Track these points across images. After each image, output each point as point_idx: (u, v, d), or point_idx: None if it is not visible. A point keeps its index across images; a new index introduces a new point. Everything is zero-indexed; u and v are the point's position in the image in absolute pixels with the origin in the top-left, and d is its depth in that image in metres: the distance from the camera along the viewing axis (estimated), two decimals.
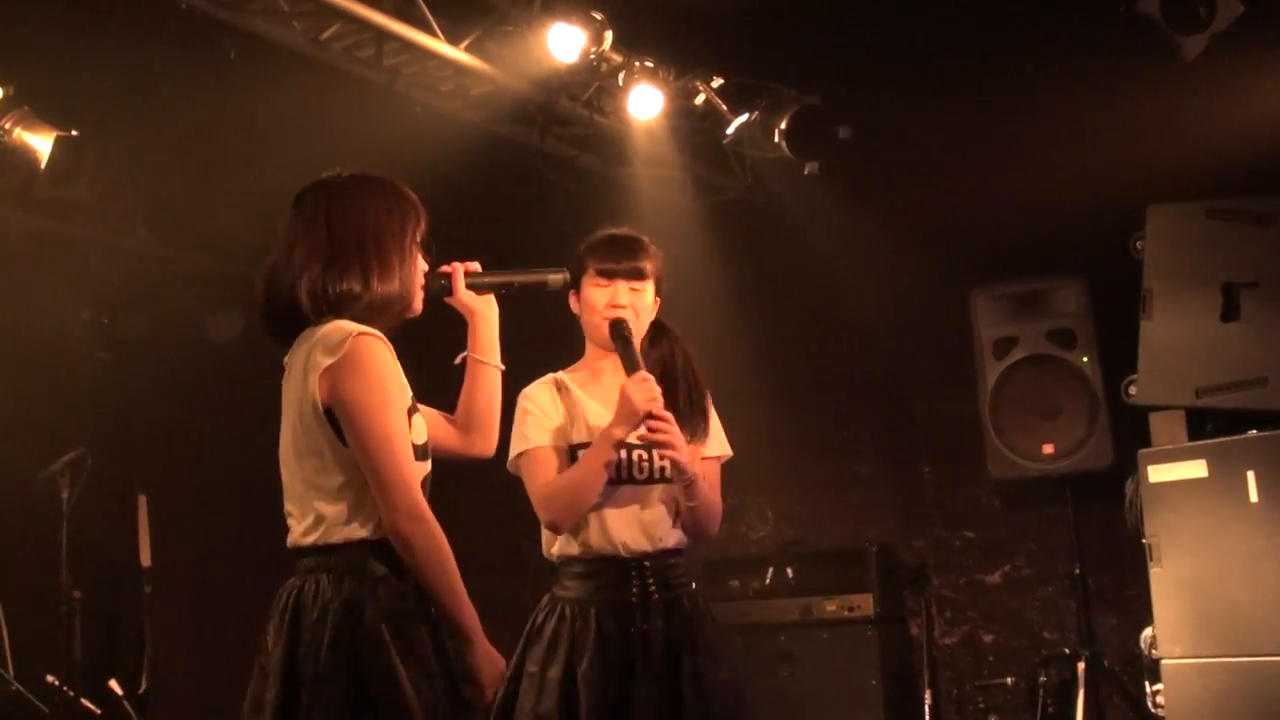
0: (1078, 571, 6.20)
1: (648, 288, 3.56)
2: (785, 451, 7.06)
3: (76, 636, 6.29)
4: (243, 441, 8.02)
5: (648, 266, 3.56)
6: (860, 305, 6.83)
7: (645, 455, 3.47)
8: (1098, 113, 6.03)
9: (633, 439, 3.40)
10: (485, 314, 3.12)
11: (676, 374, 3.55)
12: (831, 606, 6.29)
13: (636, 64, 6.08)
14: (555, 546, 3.51)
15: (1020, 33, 6.18)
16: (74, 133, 5.74)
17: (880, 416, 6.95)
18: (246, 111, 5.91)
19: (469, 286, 3.11)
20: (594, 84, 6.20)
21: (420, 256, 2.95)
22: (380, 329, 2.85)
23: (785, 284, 7.14)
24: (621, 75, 6.10)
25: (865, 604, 6.25)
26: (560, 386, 3.55)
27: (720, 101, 6.37)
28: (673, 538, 3.52)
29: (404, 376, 2.82)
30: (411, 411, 2.82)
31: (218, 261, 7.15)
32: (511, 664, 3.41)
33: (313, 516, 2.80)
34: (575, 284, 3.56)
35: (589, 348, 3.63)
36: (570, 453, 3.47)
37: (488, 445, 3.14)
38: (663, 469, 3.48)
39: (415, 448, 2.80)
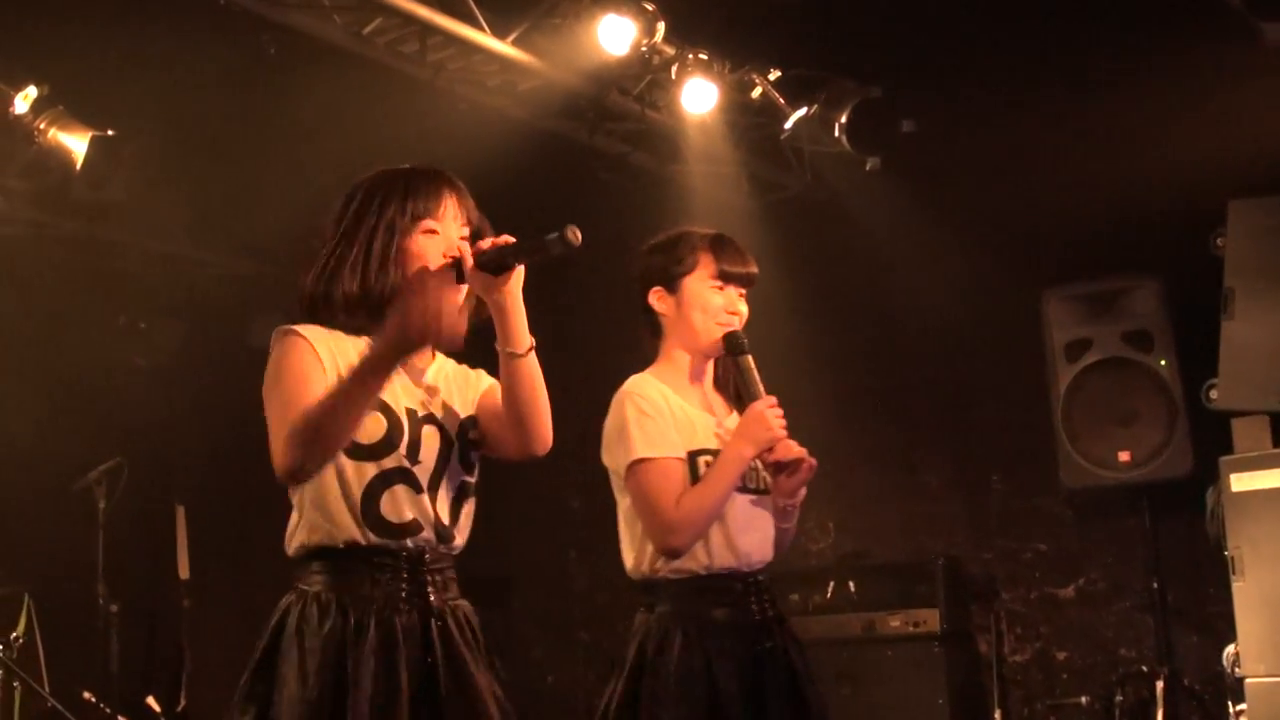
0: (1156, 585, 6.15)
1: (745, 298, 3.57)
2: (846, 460, 7.04)
3: (113, 651, 6.35)
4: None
5: (755, 274, 3.57)
6: (925, 307, 6.80)
7: (756, 463, 3.46)
8: (1175, 103, 5.98)
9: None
10: (495, 298, 2.81)
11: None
12: (895, 622, 6.27)
13: (690, 56, 6.08)
14: (663, 563, 3.39)
15: (1093, 21, 6.14)
16: (110, 133, 5.80)
17: (947, 423, 6.92)
18: (287, 109, 5.95)
19: (478, 267, 2.80)
20: (646, 78, 6.21)
21: (430, 247, 2.83)
22: (372, 332, 2.78)
23: (846, 285, 7.13)
24: (674, 68, 6.11)
25: (931, 619, 6.22)
26: (659, 389, 3.48)
27: (777, 95, 6.36)
28: (771, 552, 3.53)
29: (313, 366, 2.76)
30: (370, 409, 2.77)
31: (258, 264, 7.21)
32: (615, 697, 3.33)
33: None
34: (670, 281, 3.53)
35: (674, 348, 3.56)
36: (690, 459, 3.40)
37: (537, 441, 2.88)
38: (764, 479, 3.49)
39: (360, 447, 2.76)
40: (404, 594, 2.76)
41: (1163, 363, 6.02)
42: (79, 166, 5.76)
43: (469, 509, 2.93)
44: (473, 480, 2.93)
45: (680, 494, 3.35)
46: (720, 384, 3.61)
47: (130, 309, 7.43)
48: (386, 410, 2.80)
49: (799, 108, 6.40)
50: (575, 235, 2.74)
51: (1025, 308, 6.33)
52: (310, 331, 2.80)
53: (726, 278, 3.52)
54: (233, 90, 5.96)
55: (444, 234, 2.86)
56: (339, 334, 2.82)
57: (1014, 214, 6.51)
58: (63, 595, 6.47)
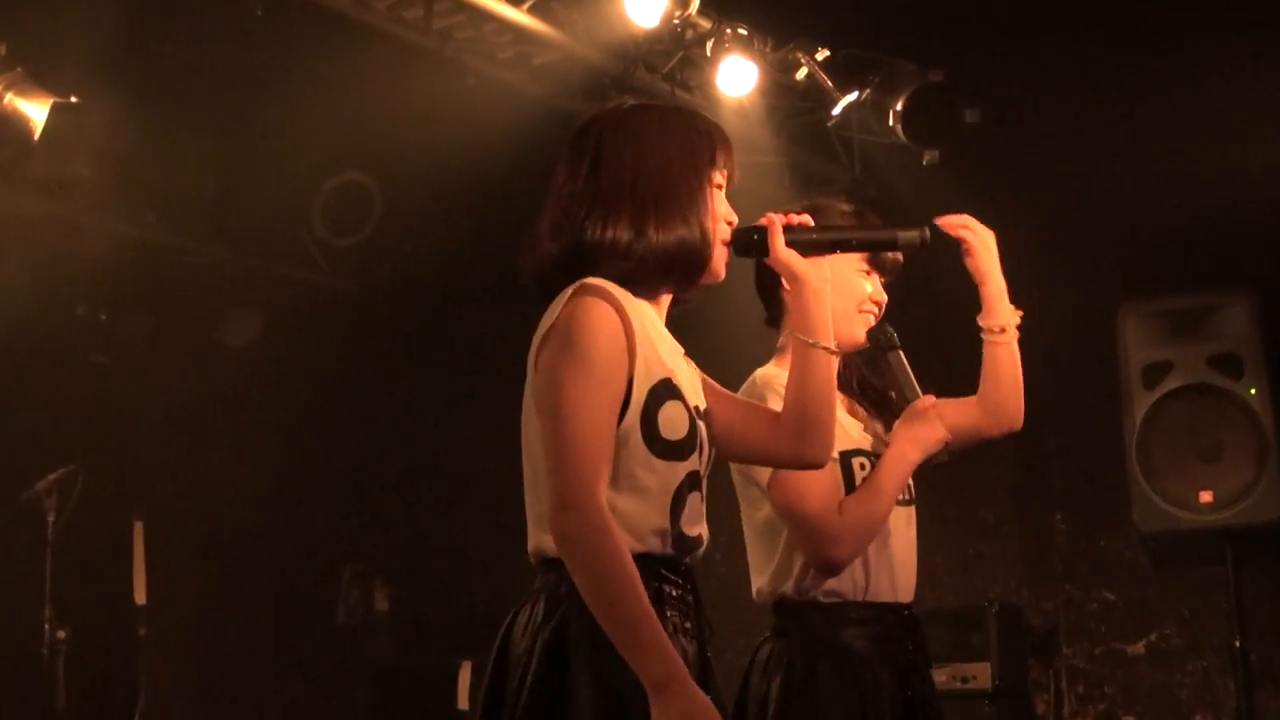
0: (1238, 644, 6.13)
1: None
2: None
3: (60, 683, 6.36)
4: (259, 461, 8.13)
5: (900, 264, 3.57)
6: None
7: None
8: (1273, 98, 5.98)
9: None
10: (812, 281, 2.87)
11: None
12: (942, 677, 6.24)
13: (727, 31, 6.10)
14: (812, 582, 3.34)
15: (1181, 6, 6.14)
16: (74, 100, 5.82)
17: (1006, 453, 6.90)
18: (275, 80, 5.97)
19: (791, 244, 2.87)
20: (677, 54, 6.22)
21: (717, 204, 2.81)
22: (656, 294, 2.78)
23: (895, 292, 7.11)
24: (710, 44, 6.12)
25: (982, 674, 6.20)
26: None
27: (825, 76, 6.37)
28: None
29: (642, 350, 2.67)
30: (663, 396, 2.67)
31: (237, 252, 7.22)
32: None
33: (532, 520, 2.72)
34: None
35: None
36: (843, 460, 3.37)
37: (823, 451, 2.93)
38: (910, 485, 3.47)
39: (668, 443, 2.66)
40: (690, 617, 2.70)
41: (1253, 391, 6.00)
42: (38, 137, 5.78)
43: None
44: None
45: (838, 498, 3.30)
46: (843, 384, 3.56)
47: (90, 298, 7.45)
48: (685, 401, 2.72)
49: (849, 92, 6.41)
50: (926, 237, 2.95)
51: (1098, 324, 6.32)
52: (620, 298, 2.68)
53: (878, 264, 3.51)
54: (214, 57, 5.99)
55: (723, 193, 2.85)
56: (629, 296, 2.73)
57: (1089, 218, 6.51)
58: (4, 620, 6.49)
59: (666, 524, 2.67)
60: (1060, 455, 6.77)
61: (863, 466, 3.38)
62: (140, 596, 6.96)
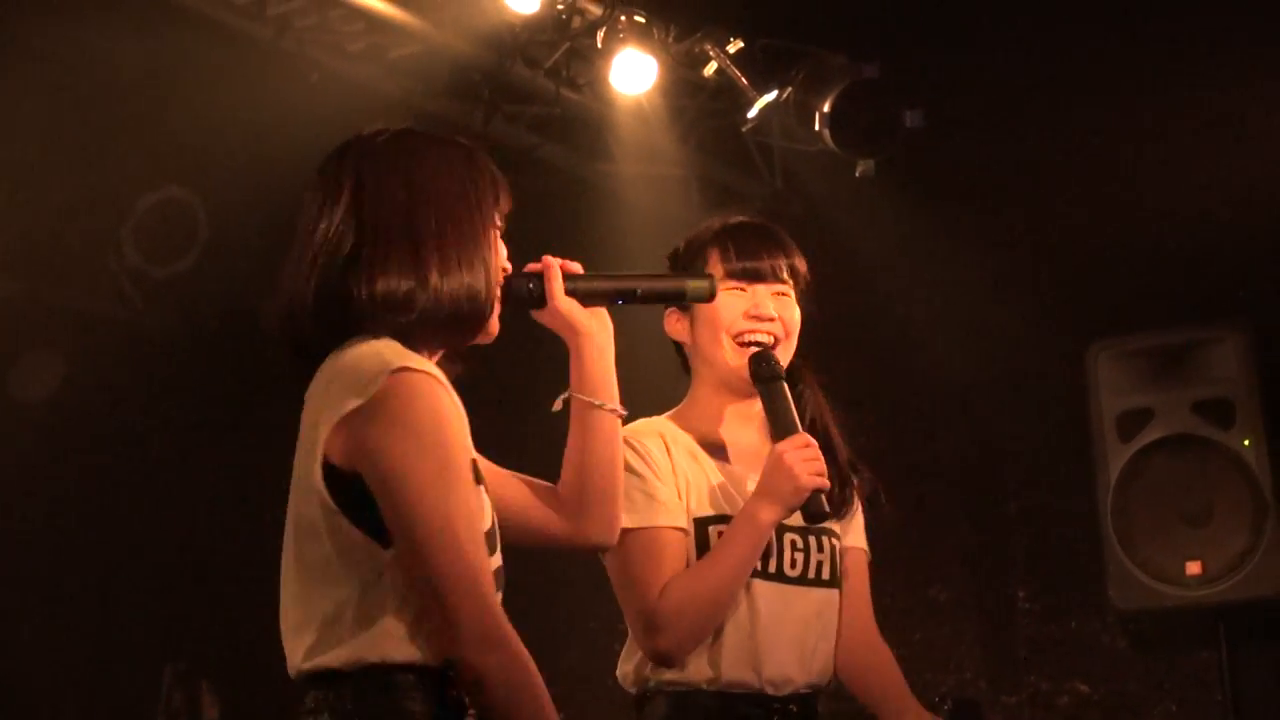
0: None
1: (793, 299, 3.56)
2: None
3: None
4: (59, 538, 8.01)
5: (799, 265, 3.57)
6: (935, 360, 6.82)
7: (801, 541, 3.45)
8: (1270, 107, 6.04)
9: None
10: (595, 334, 3.00)
11: (819, 434, 3.53)
12: None
13: (622, 19, 6.10)
14: (654, 670, 3.38)
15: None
16: None
17: (960, 516, 6.93)
18: (80, 73, 5.91)
19: (571, 293, 2.99)
20: (563, 45, 6.22)
21: (498, 250, 2.83)
22: (437, 354, 2.74)
23: (825, 328, 7.12)
24: (601, 34, 6.12)
25: None
26: (668, 436, 3.48)
27: (739, 72, 6.39)
28: (829, 670, 3.53)
29: (468, 434, 2.66)
30: (475, 482, 2.67)
31: (30, 283, 7.13)
32: None
33: (314, 626, 2.64)
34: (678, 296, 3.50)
35: (698, 385, 3.56)
36: (698, 530, 3.39)
37: (608, 529, 3.03)
38: (821, 564, 3.47)
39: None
40: None
41: (1246, 443, 6.05)
42: None
43: None
44: None
45: (663, 579, 3.32)
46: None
47: None
48: (485, 486, 2.76)
49: (768, 90, 6.43)
50: (715, 288, 3.17)
51: (1066, 365, 6.36)
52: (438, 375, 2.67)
53: (744, 275, 3.51)
54: (4, 41, 5.92)
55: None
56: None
57: (1052, 241, 6.55)
58: None
59: None
60: (1023, 521, 6.79)
61: (721, 535, 3.39)
62: None
